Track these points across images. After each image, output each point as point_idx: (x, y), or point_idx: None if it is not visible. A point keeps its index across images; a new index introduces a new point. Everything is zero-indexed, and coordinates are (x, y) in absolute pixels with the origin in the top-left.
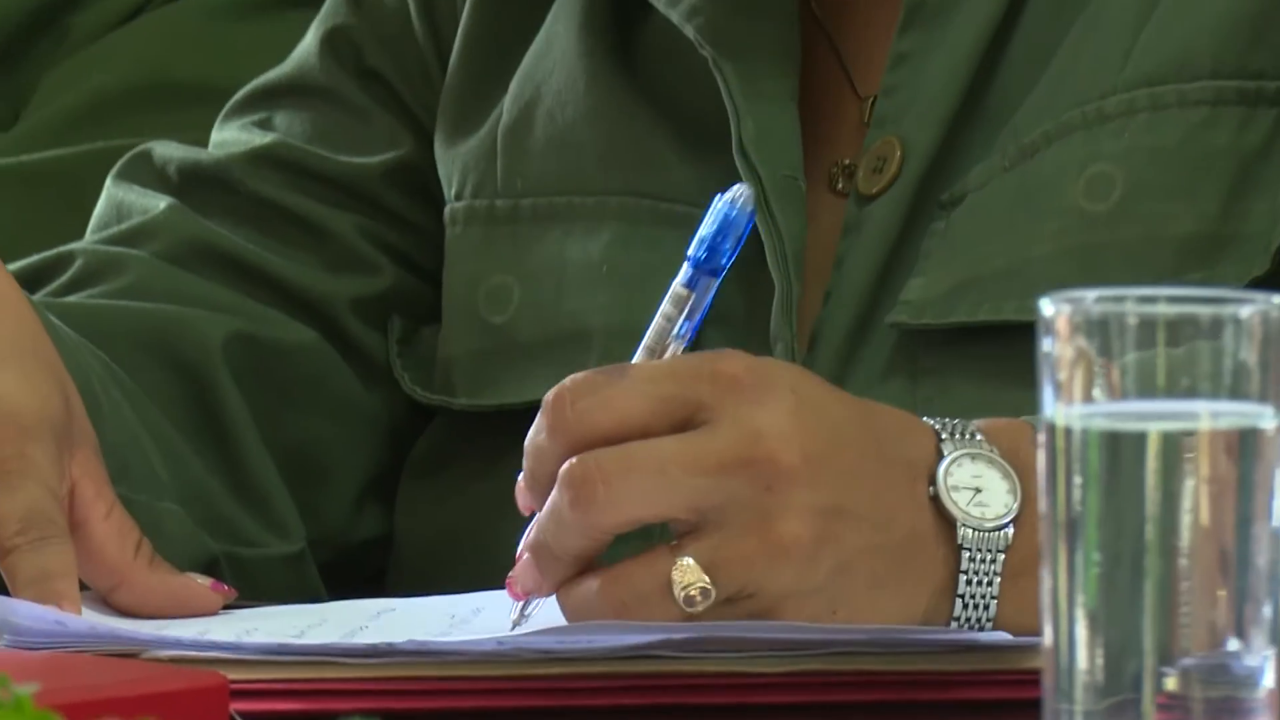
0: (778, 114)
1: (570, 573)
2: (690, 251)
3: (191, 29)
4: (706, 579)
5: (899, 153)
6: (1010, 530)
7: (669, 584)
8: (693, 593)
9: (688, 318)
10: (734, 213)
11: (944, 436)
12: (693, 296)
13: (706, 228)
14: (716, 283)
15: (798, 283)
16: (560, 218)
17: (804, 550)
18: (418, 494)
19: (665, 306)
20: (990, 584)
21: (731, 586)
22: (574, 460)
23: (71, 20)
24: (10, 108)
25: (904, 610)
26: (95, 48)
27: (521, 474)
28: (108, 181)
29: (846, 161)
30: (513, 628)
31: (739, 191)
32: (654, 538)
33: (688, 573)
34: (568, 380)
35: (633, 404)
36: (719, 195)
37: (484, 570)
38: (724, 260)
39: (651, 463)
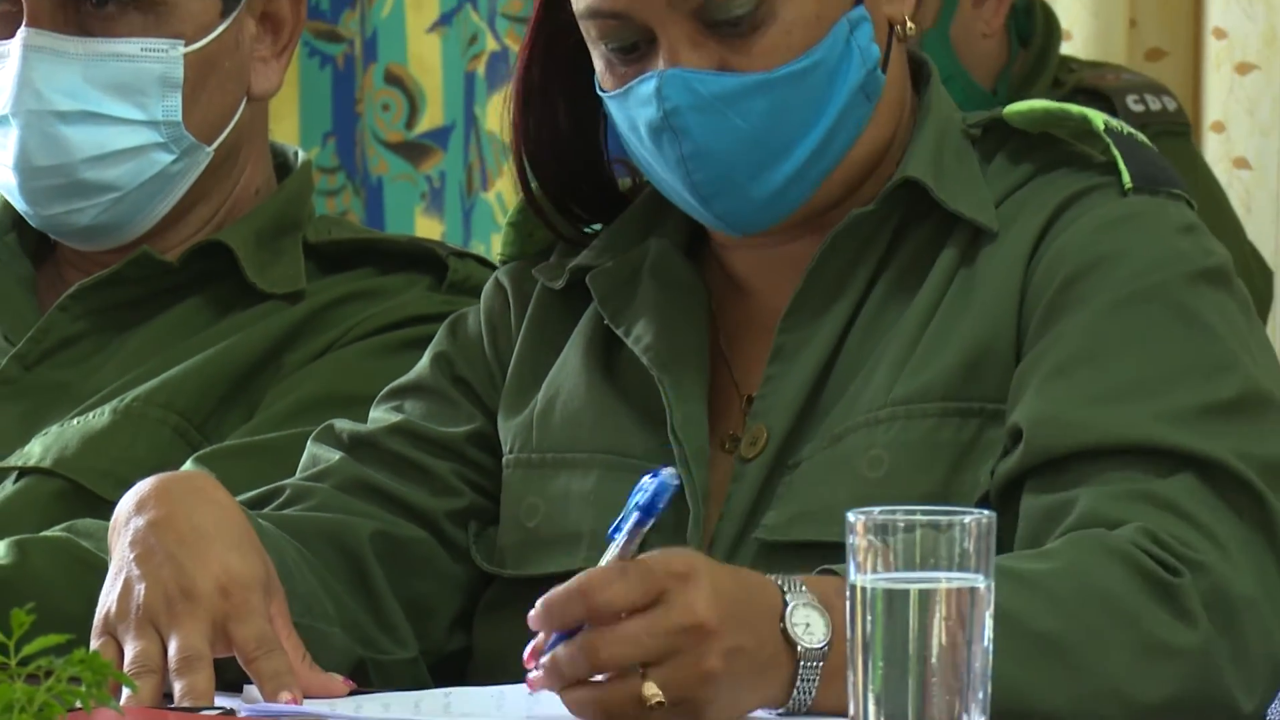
0: (695, 409)
1: (573, 683)
2: (641, 504)
3: (354, 362)
4: (661, 693)
5: (766, 434)
6: (826, 647)
7: (639, 695)
8: (652, 700)
9: (630, 541)
10: (666, 484)
11: (785, 589)
12: (640, 530)
13: (648, 495)
14: (651, 521)
15: (704, 508)
16: (567, 466)
17: (718, 676)
18: (484, 626)
19: (627, 533)
20: (813, 681)
21: (676, 697)
22: (588, 634)
23: (286, 358)
24: (249, 410)
25: (760, 700)
26: (299, 374)
27: (539, 612)
28: (308, 443)
29: (733, 434)
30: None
31: (668, 473)
32: None
33: (652, 692)
34: (593, 571)
35: (634, 593)
36: (659, 473)
37: (518, 673)
38: (656, 510)
39: (631, 636)
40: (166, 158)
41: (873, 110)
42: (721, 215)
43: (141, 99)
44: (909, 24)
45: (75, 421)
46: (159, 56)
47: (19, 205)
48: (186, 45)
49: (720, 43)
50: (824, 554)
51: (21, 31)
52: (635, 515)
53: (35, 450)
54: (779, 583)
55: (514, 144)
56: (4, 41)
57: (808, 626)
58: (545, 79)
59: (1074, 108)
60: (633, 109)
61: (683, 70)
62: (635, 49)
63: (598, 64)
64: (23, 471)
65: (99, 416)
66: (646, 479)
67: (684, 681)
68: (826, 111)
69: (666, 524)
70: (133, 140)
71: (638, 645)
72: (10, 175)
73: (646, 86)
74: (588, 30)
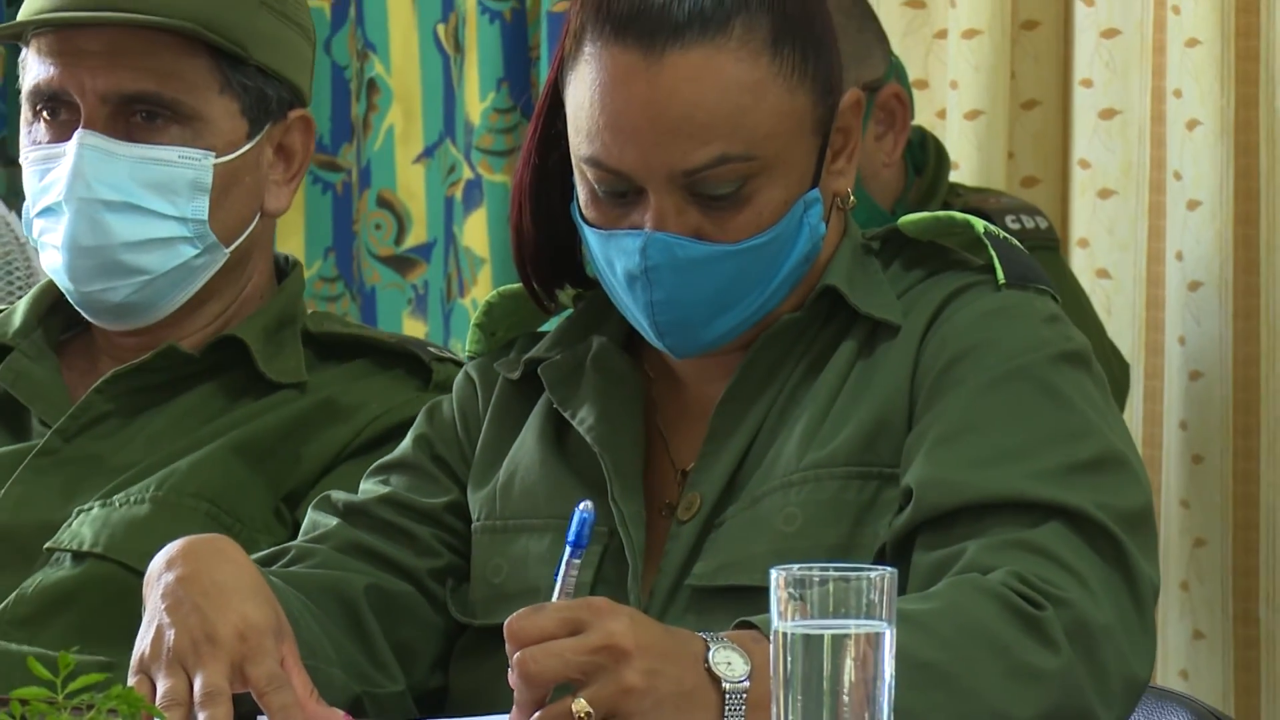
0: (631, 480)
1: (534, 710)
2: (570, 540)
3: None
4: (590, 709)
5: (699, 501)
6: (747, 682)
7: (570, 712)
8: (580, 714)
9: (568, 574)
10: (586, 517)
11: (707, 638)
12: (574, 563)
13: (573, 531)
14: (583, 551)
15: (641, 564)
16: (526, 530)
17: (639, 692)
18: (459, 667)
19: (564, 568)
20: (740, 710)
21: (603, 711)
22: (519, 653)
23: (303, 450)
24: (268, 487)
25: None
26: (329, 480)
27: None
28: (309, 510)
29: (669, 502)
30: None
31: (586, 506)
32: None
33: (581, 705)
34: (515, 614)
35: (549, 623)
36: (576, 509)
37: (491, 706)
38: (584, 542)
39: (555, 649)
40: (191, 251)
41: (810, 267)
42: (670, 346)
43: (175, 197)
44: (851, 198)
45: (120, 507)
46: (192, 163)
47: (63, 282)
48: (217, 157)
49: (700, 212)
50: (748, 596)
51: (78, 133)
52: (567, 551)
53: (86, 534)
54: (702, 634)
55: (512, 231)
56: (63, 143)
57: (729, 664)
58: (537, 178)
59: (959, 215)
60: (613, 251)
61: (666, 236)
62: (624, 195)
63: (582, 194)
64: (78, 554)
65: (140, 506)
66: (573, 516)
67: (608, 697)
68: (776, 275)
69: (610, 578)
70: (165, 232)
71: (561, 659)
72: (58, 255)
73: (632, 242)
74: (583, 170)
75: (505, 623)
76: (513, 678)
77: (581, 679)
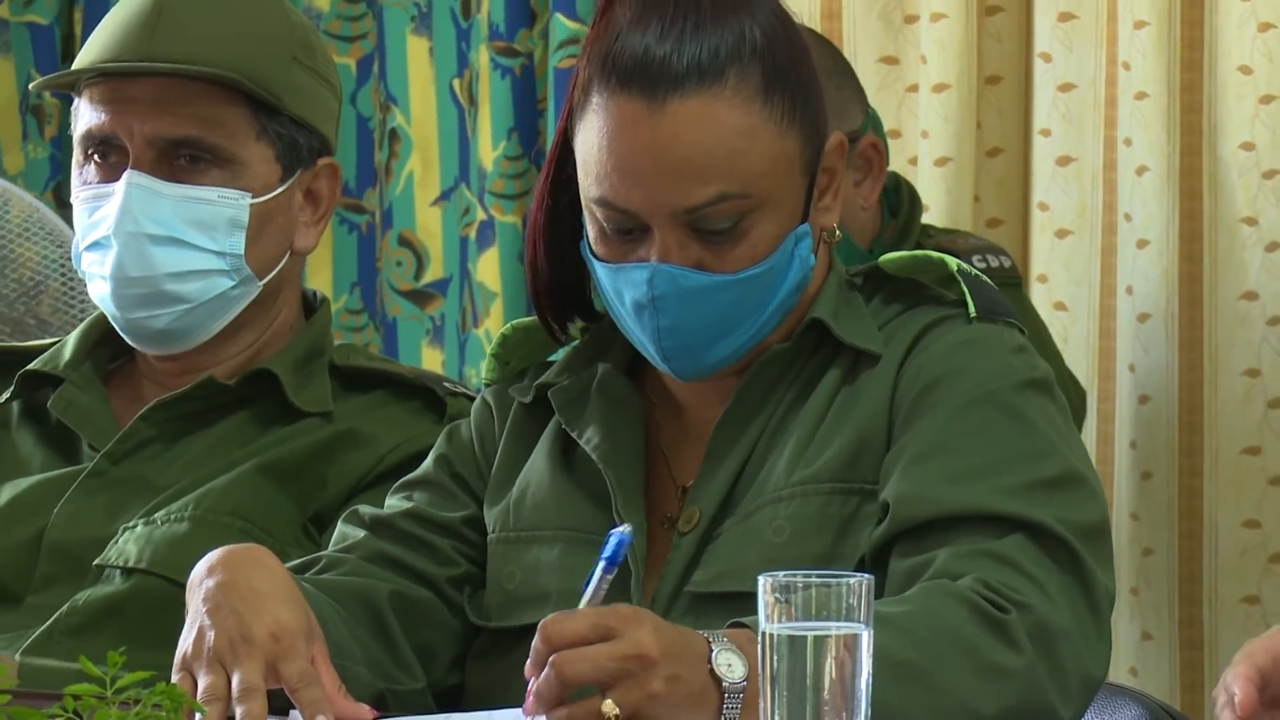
0: (633, 494)
1: (555, 705)
2: (605, 555)
3: (379, 500)
4: (618, 709)
5: (698, 515)
6: (745, 682)
7: (599, 711)
8: (611, 715)
9: (599, 586)
10: (624, 538)
11: (710, 638)
12: (606, 577)
13: (610, 548)
14: (616, 569)
15: (643, 572)
16: (537, 540)
17: (662, 697)
18: (474, 666)
19: (597, 580)
20: (736, 708)
21: (628, 713)
22: (556, 655)
23: (329, 472)
24: (296, 506)
25: None
26: (355, 502)
27: (529, 661)
28: (339, 523)
29: (670, 515)
30: None
31: (625, 528)
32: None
33: (610, 707)
34: (549, 617)
35: (581, 627)
36: (616, 530)
37: (504, 702)
38: (618, 559)
39: (590, 655)
40: (227, 283)
41: (800, 296)
42: (675, 369)
43: (214, 233)
44: (836, 232)
45: (161, 525)
46: (230, 203)
47: (109, 310)
48: (253, 198)
49: (701, 245)
50: (741, 601)
51: (127, 173)
52: (601, 565)
53: (131, 551)
54: (704, 634)
55: (527, 268)
56: (112, 183)
57: (730, 666)
58: (549, 219)
59: (934, 254)
60: (621, 283)
61: (670, 267)
62: (630, 232)
63: (592, 232)
64: (126, 570)
65: (180, 524)
66: (612, 536)
67: (635, 700)
68: (771, 302)
69: (614, 584)
70: (204, 264)
71: (596, 665)
72: (105, 285)
73: (640, 273)
74: (593, 210)
75: (540, 623)
76: (529, 669)
77: (610, 682)
